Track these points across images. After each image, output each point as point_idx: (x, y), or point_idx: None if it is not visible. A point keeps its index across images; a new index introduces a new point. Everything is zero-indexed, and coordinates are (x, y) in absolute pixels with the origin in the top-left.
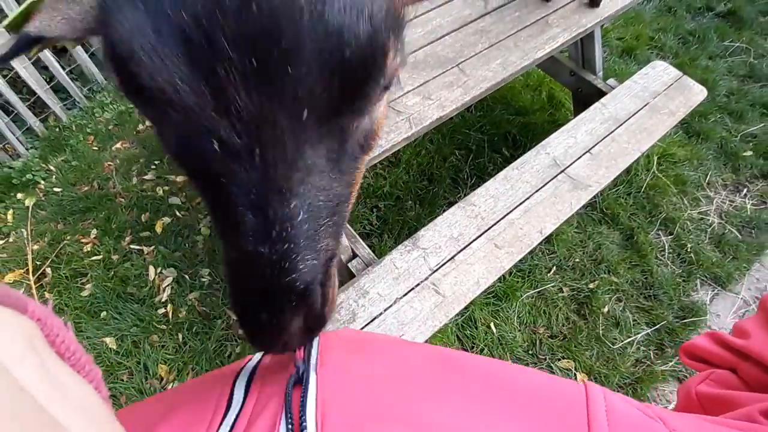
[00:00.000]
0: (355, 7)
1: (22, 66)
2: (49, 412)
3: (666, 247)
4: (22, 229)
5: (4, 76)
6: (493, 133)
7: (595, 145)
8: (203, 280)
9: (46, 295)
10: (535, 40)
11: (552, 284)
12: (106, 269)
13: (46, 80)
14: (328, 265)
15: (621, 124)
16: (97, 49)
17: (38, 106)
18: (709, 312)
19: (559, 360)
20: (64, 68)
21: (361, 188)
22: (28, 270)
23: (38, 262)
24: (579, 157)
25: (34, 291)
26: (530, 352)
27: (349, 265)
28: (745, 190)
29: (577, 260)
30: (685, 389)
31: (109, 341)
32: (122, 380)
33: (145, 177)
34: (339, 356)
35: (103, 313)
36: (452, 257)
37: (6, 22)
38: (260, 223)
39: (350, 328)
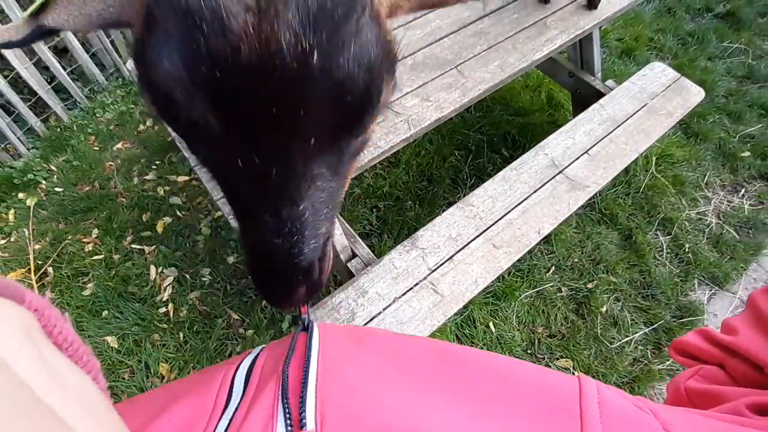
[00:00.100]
0: (356, 61)
1: (23, 66)
2: (47, 403)
3: (664, 247)
4: (24, 229)
5: (5, 77)
6: (492, 134)
7: (594, 145)
8: (204, 279)
9: (48, 294)
10: (533, 41)
11: (551, 284)
12: (107, 268)
13: (47, 80)
14: (325, 244)
15: (619, 125)
16: (98, 49)
17: (39, 107)
18: (707, 311)
19: (558, 359)
20: (65, 68)
21: (361, 188)
22: (29, 269)
23: (40, 262)
24: (577, 158)
25: (35, 290)
26: (529, 351)
27: (349, 264)
28: (743, 190)
29: (576, 260)
30: (675, 385)
31: (111, 340)
32: (124, 379)
33: (146, 177)
34: (339, 347)
35: (105, 312)
36: (451, 257)
37: (27, 12)
38: (275, 223)
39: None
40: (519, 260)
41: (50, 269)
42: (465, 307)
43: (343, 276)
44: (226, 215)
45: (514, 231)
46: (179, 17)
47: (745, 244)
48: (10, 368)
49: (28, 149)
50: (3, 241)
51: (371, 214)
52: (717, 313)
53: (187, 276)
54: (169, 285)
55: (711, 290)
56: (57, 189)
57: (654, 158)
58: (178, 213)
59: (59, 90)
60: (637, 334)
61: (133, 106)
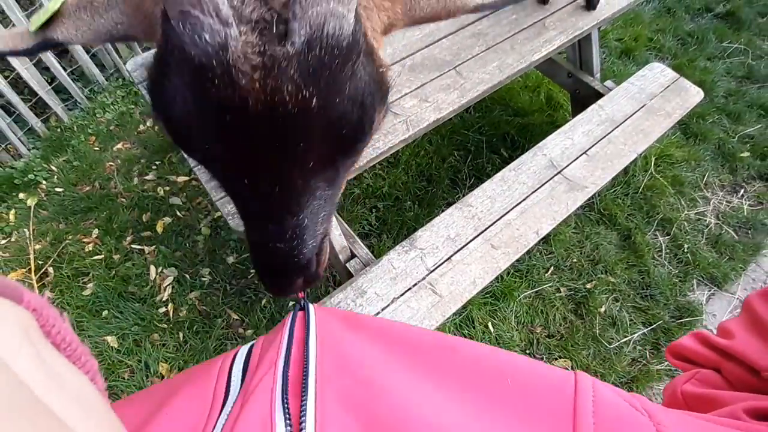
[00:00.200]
0: (350, 101)
1: (23, 67)
2: (45, 403)
3: (663, 248)
4: (24, 229)
5: (6, 77)
6: (491, 134)
7: (592, 146)
8: (203, 279)
9: (48, 294)
10: (531, 42)
11: (549, 284)
12: (107, 269)
13: (47, 81)
14: (322, 242)
15: (618, 126)
16: (99, 50)
17: (40, 107)
18: (705, 312)
19: (556, 359)
20: (65, 69)
21: (360, 189)
22: (30, 269)
23: (40, 262)
24: (576, 159)
25: (36, 290)
26: (528, 351)
27: (348, 265)
28: (742, 190)
29: (575, 260)
30: (671, 388)
31: (111, 340)
32: (123, 378)
33: (146, 177)
34: (335, 334)
35: (105, 312)
36: (449, 257)
37: (32, 26)
38: (279, 230)
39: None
40: (518, 260)
41: (50, 269)
42: (464, 307)
43: (341, 276)
44: (226, 216)
45: (512, 231)
46: (192, 69)
47: (744, 244)
48: (8, 368)
49: (28, 149)
50: (4, 241)
51: (370, 214)
52: (716, 313)
53: (187, 276)
54: (168, 285)
55: (710, 290)
56: (57, 189)
57: (653, 158)
58: (178, 213)
59: (59, 90)
60: (636, 335)
61: (133, 106)
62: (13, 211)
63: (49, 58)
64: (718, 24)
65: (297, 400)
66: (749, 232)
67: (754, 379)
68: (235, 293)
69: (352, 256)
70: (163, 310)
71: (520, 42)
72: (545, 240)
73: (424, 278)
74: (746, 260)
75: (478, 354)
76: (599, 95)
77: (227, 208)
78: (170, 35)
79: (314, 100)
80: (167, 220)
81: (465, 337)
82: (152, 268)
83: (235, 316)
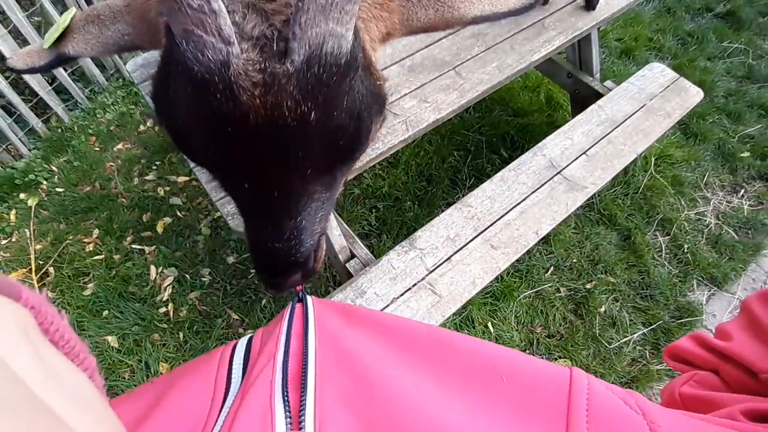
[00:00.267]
0: (348, 113)
1: None
2: (44, 401)
3: (663, 248)
4: (25, 229)
5: (7, 78)
6: (491, 134)
7: (592, 146)
8: (204, 279)
9: (49, 294)
10: (531, 42)
11: (549, 284)
12: (107, 269)
13: (48, 81)
14: (319, 240)
15: (617, 126)
16: None
17: (40, 107)
18: (705, 312)
19: (556, 359)
20: (65, 69)
21: (360, 189)
22: (30, 269)
23: (41, 262)
24: (575, 159)
25: (36, 290)
26: (527, 351)
27: (347, 265)
28: (742, 191)
29: (575, 260)
30: (669, 390)
31: (111, 340)
32: (124, 378)
33: (147, 177)
34: (334, 329)
35: (105, 312)
36: (449, 258)
37: (46, 43)
38: (278, 232)
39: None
40: (517, 261)
41: (51, 269)
42: (463, 307)
43: (341, 276)
44: (226, 216)
45: (512, 231)
46: (195, 84)
47: (744, 244)
48: (7, 366)
49: (29, 150)
50: (4, 241)
51: (370, 214)
52: (716, 313)
53: (187, 276)
54: (169, 285)
55: (710, 291)
56: (58, 189)
57: (653, 159)
58: (178, 213)
59: (60, 91)
60: (636, 335)
61: (133, 106)
62: (13, 212)
63: None
64: (719, 24)
65: (296, 394)
66: (749, 232)
67: (752, 381)
68: (236, 293)
69: (352, 256)
70: (163, 310)
71: (519, 42)
72: (545, 240)
73: (423, 278)
74: (746, 260)
75: (475, 348)
76: (599, 95)
77: (227, 208)
78: (173, 50)
79: (313, 115)
80: (167, 220)
81: None
82: (152, 268)
83: (236, 316)
